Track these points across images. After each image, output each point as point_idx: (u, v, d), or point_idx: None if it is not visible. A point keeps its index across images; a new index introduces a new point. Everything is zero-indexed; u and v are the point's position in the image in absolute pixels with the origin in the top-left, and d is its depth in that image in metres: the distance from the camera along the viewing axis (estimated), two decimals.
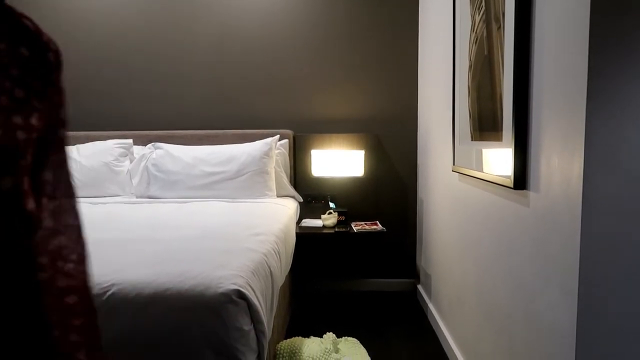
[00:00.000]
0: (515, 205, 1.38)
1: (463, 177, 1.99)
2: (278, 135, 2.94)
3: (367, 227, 2.88)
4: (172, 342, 1.21)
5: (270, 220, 2.15)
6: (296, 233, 2.68)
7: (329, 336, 2.12)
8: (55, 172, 0.49)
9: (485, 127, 1.62)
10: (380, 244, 3.19)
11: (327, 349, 2.01)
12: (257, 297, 1.33)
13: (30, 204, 0.44)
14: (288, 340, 2.11)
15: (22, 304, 0.43)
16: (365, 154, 3.05)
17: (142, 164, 2.85)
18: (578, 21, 1.01)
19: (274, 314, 1.64)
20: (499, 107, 1.44)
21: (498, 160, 1.48)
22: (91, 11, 3.15)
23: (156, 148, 2.87)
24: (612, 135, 0.98)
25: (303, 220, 3.01)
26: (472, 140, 1.81)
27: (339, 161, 2.93)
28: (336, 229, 2.83)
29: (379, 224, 2.95)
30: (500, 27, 1.43)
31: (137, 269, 1.35)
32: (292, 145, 3.07)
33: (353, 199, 3.13)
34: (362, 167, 2.96)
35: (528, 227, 1.29)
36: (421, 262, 3.01)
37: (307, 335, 2.26)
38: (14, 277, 0.42)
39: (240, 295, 1.26)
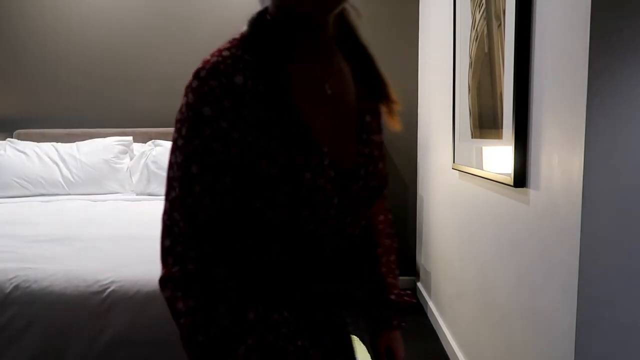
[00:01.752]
0: (515, 203, 1.38)
1: (463, 174, 1.99)
2: None
3: None
4: (171, 340, 1.20)
5: None
6: None
7: None
8: None
9: (485, 124, 1.62)
10: None
11: None
12: None
13: None
14: None
15: None
16: None
17: (142, 161, 2.85)
18: (579, 19, 1.01)
19: None
20: (500, 104, 1.44)
21: (498, 158, 1.48)
22: (90, 7, 3.14)
23: (156, 145, 2.87)
24: (613, 134, 0.97)
25: None
26: (472, 138, 1.80)
27: None
28: None
29: None
30: (501, 25, 1.43)
31: (137, 266, 1.35)
32: None
33: None
34: None
35: (528, 224, 1.29)
36: (421, 260, 3.01)
37: None
38: None
39: None
